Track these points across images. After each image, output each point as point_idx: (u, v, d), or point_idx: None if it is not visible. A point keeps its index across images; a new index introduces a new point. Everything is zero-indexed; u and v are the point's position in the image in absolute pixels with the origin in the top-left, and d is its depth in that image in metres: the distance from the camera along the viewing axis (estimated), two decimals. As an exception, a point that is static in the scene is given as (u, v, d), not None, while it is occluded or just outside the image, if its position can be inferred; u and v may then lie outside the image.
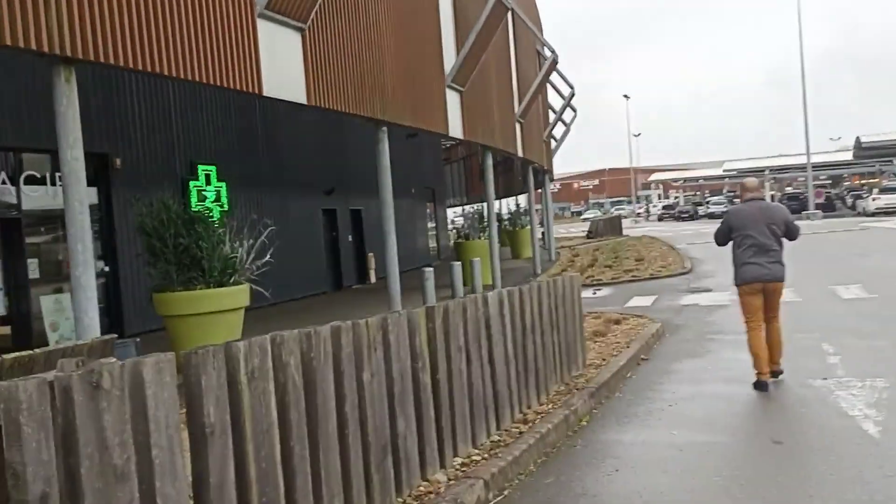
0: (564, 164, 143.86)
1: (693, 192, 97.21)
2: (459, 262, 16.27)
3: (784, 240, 6.99)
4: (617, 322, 10.61)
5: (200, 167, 16.22)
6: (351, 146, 23.60)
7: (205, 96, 16.55)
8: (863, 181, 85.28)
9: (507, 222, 36.98)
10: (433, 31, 14.64)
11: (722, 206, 70.78)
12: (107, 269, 13.82)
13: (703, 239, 33.85)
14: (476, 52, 15.36)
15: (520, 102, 21.19)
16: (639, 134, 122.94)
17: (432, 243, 33.27)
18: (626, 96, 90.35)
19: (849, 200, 62.95)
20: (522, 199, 47.30)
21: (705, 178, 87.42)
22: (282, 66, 9.84)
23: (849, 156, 64.63)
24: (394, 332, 4.36)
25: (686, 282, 17.30)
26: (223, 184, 16.92)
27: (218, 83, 8.71)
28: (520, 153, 21.30)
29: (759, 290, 6.87)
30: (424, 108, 13.90)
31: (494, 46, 18.94)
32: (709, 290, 15.30)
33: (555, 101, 32.35)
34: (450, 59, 15.20)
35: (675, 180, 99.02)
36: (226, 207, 16.92)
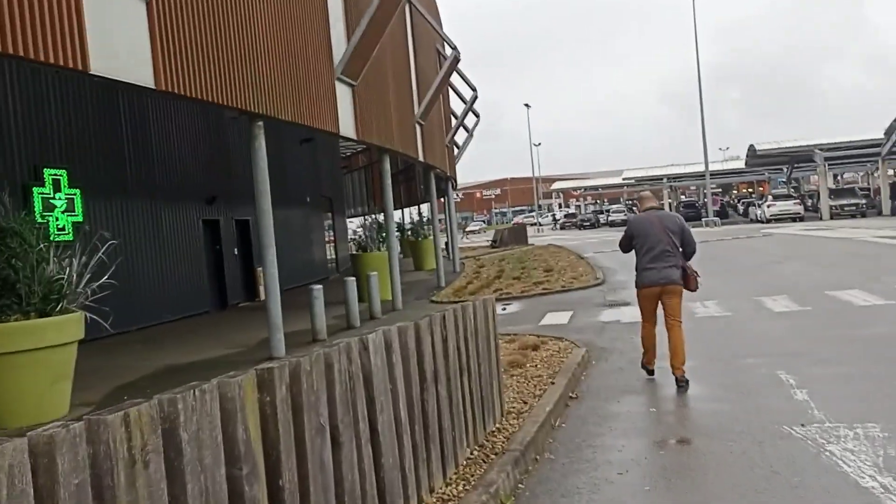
0: (468, 174, 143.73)
1: (593, 201, 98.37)
2: (354, 278, 14.44)
3: (681, 249, 7.38)
4: (535, 348, 9.05)
5: (47, 171, 13.79)
6: (236, 149, 21.40)
7: (53, 86, 14.15)
8: (750, 189, 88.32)
9: (409, 232, 35.38)
10: (319, 15, 12.81)
11: (622, 213, 71.60)
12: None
13: (610, 247, 33.17)
14: (369, 42, 13.63)
15: (419, 103, 19.56)
16: (539, 143, 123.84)
17: (331, 255, 31.23)
18: (526, 105, 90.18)
19: (740, 208, 64.51)
20: (425, 208, 45.95)
21: (604, 187, 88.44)
22: (119, 40, 7.85)
23: (737, 165, 66.35)
24: (191, 425, 2.53)
25: (601, 294, 16.03)
26: (76, 191, 14.51)
27: (32, 56, 6.69)
28: (420, 157, 19.68)
29: (657, 293, 7.34)
30: (309, 101, 12.04)
31: (391, 40, 17.26)
32: (627, 304, 14.03)
33: (456, 105, 31.01)
34: (339, 48, 13.40)
35: (576, 189, 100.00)
36: (80, 218, 14.54)
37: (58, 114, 14.26)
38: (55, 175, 14.00)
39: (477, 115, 31.18)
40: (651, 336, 7.54)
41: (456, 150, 34.20)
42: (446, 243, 32.17)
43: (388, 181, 16.63)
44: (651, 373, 7.67)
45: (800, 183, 67.61)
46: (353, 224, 48.53)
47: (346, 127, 13.68)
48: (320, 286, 12.68)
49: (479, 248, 48.77)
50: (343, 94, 13.58)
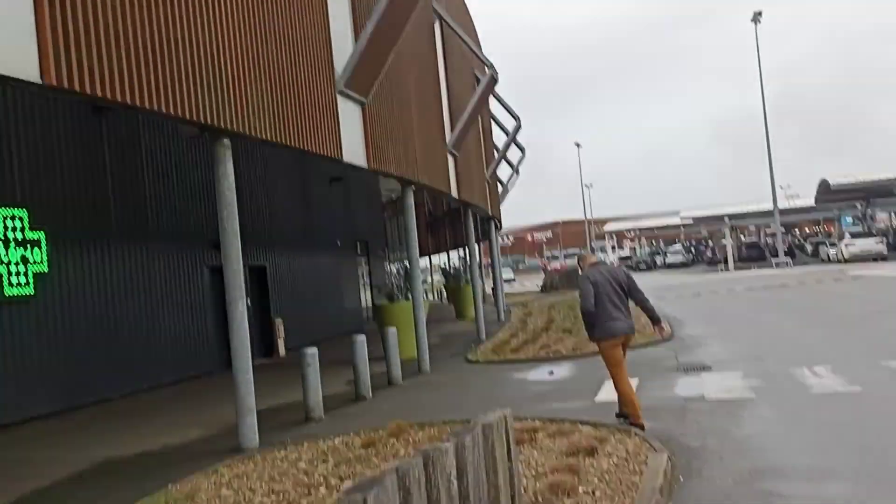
0: (518, 217, 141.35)
1: (648, 242, 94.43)
2: (363, 336, 11.76)
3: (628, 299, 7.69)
4: (591, 451, 6.21)
5: (1, 211, 11.57)
6: (249, 184, 19.14)
7: (12, 104, 12.00)
8: (815, 228, 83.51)
9: (451, 278, 32.76)
10: (317, 12, 10.43)
11: (679, 255, 67.74)
12: None
13: (673, 293, 29.96)
14: (380, 49, 11.19)
15: (452, 129, 17.06)
16: (591, 185, 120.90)
17: (368, 303, 28.71)
18: (577, 144, 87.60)
19: (808, 248, 60.25)
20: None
21: (659, 228, 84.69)
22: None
23: (800, 203, 62.34)
24: None
25: (671, 353, 13.05)
26: (40, 233, 12.25)
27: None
28: (454, 193, 17.08)
29: (621, 342, 7.65)
30: (299, 118, 9.59)
31: (416, 59, 14.86)
32: (708, 369, 11.08)
33: (500, 140, 28.54)
34: (343, 57, 11.00)
35: (630, 230, 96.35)
36: (45, 268, 12.25)
37: (16, 140, 12.08)
38: (10, 214, 11.76)
39: (522, 150, 28.68)
40: (630, 384, 7.72)
41: (500, 189, 31.61)
42: (493, 289, 29.41)
43: (412, 220, 14.06)
44: (643, 427, 7.28)
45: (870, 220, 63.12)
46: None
47: (353, 152, 11.18)
48: (315, 350, 10.04)
49: (527, 292, 45.83)
50: (349, 111, 11.13)
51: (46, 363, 12.13)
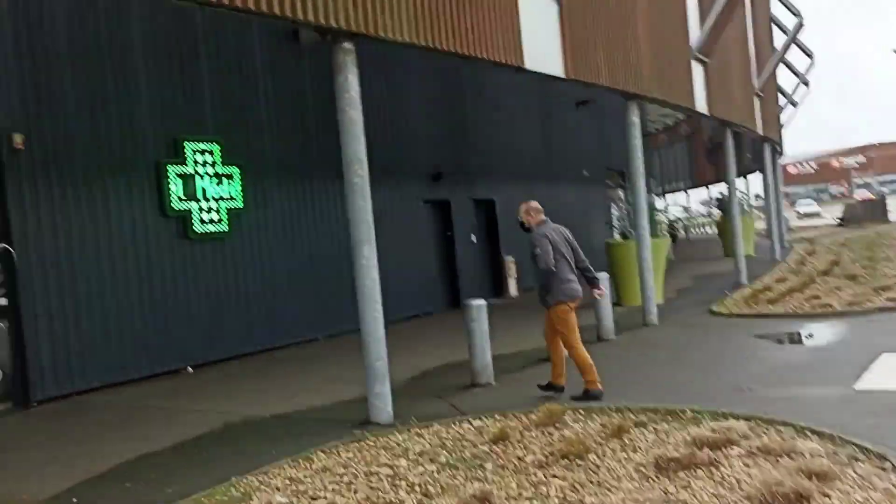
0: (824, 139, 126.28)
1: None
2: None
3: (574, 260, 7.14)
4: (822, 476, 3.80)
5: (189, 144, 11.19)
6: (473, 110, 17.67)
7: (202, 25, 11.50)
8: None
9: (722, 210, 28.98)
10: None
11: None
12: None
13: None
14: (722, 20, 9.65)
15: (759, 74, 14.44)
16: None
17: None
18: (895, 51, 74.65)
19: None
20: (751, 180, 38.47)
21: None
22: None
23: None
24: None
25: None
26: (234, 168, 11.79)
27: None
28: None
29: (576, 306, 7.10)
30: (671, 80, 11.12)
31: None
32: None
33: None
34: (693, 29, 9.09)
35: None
36: (239, 204, 11.81)
37: (208, 69, 11.58)
38: (202, 149, 11.36)
39: (809, 54, 23.95)
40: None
41: (783, 105, 27.03)
42: (767, 224, 25.39)
43: (635, 140, 11.57)
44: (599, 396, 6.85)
45: None
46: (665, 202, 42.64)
47: (699, 103, 9.68)
48: (482, 302, 8.30)
49: (823, 226, 39.95)
50: (697, 72, 9.92)
51: (241, 304, 11.75)
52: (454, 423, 6.28)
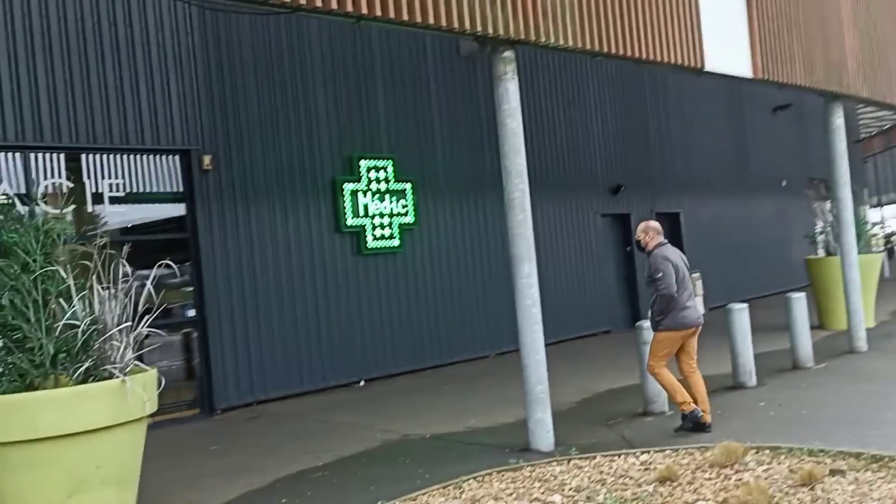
0: None
1: None
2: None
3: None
4: None
5: (364, 161, 11.40)
6: (656, 117, 16.81)
7: (379, 47, 11.71)
8: None
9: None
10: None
11: None
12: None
13: None
14: None
15: None
16: None
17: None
18: None
19: None
20: None
21: None
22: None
23: None
24: None
25: None
26: (407, 184, 11.88)
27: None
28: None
29: (690, 334, 6.69)
30: (884, 75, 10.08)
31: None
32: None
33: None
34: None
35: None
36: (411, 219, 11.87)
37: (382, 81, 11.74)
38: (376, 166, 11.53)
39: None
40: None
41: None
42: None
43: (839, 145, 10.44)
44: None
45: None
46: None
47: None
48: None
49: None
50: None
51: (412, 320, 11.77)
52: (618, 456, 5.75)
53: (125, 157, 9.25)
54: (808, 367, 9.27)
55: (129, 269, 5.14)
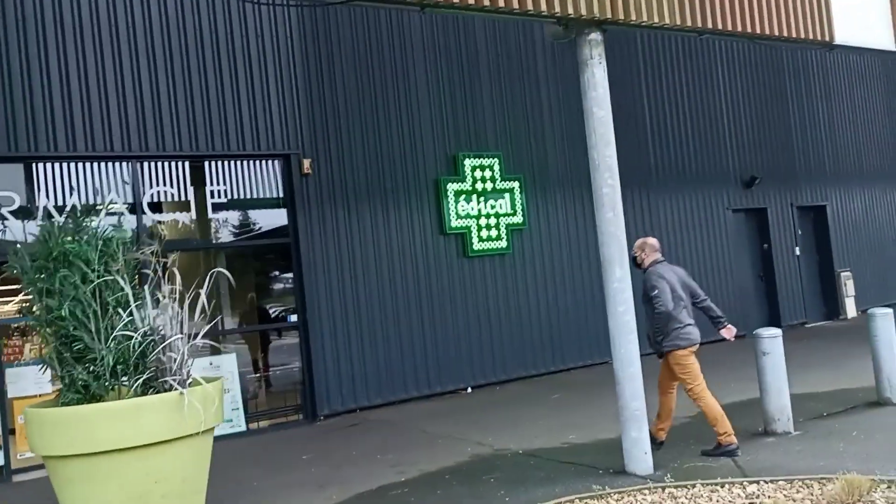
0: None
1: None
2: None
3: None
4: None
5: (467, 159, 11.01)
6: (797, 102, 15.39)
7: (485, 39, 11.29)
8: None
9: None
10: None
11: None
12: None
13: None
14: None
15: None
16: None
17: None
18: None
19: None
20: None
21: None
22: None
23: None
24: None
25: None
26: (515, 182, 11.39)
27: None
28: None
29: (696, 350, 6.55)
30: None
31: None
32: None
33: None
34: None
35: None
36: (520, 219, 11.36)
37: (489, 75, 11.31)
38: (482, 165, 11.12)
39: None
40: None
41: None
42: None
43: None
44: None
45: None
46: None
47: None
48: (776, 332, 6.79)
49: None
50: None
51: (522, 324, 11.23)
52: (721, 486, 5.03)
53: (227, 163, 9.32)
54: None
55: (178, 278, 4.98)
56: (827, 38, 6.96)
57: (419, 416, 9.23)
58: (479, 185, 11.04)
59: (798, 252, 15.17)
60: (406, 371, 10.26)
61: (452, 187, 10.80)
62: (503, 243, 11.15)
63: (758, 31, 6.48)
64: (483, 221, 11.04)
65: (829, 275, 15.62)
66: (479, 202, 11.02)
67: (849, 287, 15.62)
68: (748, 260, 14.53)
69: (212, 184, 9.19)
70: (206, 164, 9.17)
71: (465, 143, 11.05)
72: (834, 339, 12.48)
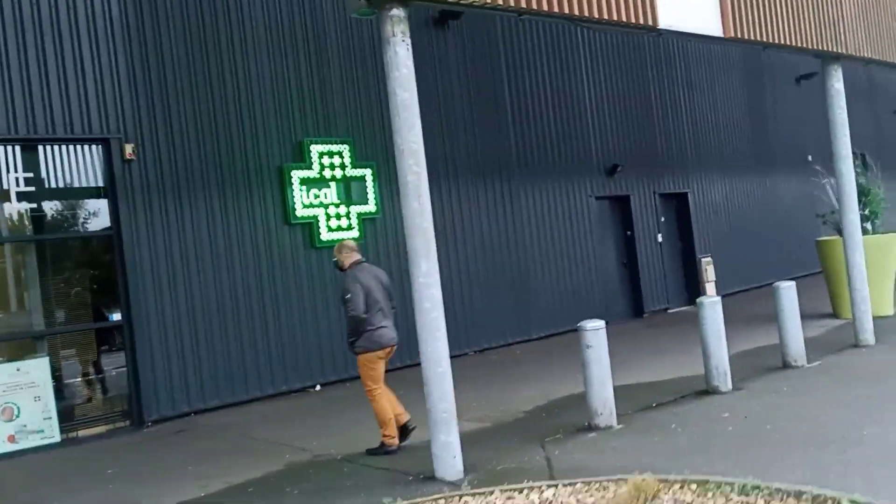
0: None
1: None
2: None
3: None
4: None
5: (314, 144, 10.48)
6: (660, 90, 15.55)
7: (334, 20, 10.78)
8: None
9: None
10: None
11: None
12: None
13: None
14: None
15: None
16: None
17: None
18: None
19: None
20: None
21: None
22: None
23: None
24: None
25: None
26: (368, 170, 10.93)
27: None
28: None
29: (387, 354, 6.60)
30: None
31: None
32: None
33: None
34: None
35: None
36: (375, 209, 10.92)
37: (337, 57, 10.80)
38: (329, 152, 10.61)
39: None
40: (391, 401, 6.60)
41: None
42: None
43: (839, 112, 9.18)
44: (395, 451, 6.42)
45: None
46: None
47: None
48: (598, 324, 6.64)
49: None
50: None
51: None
52: (518, 492, 4.75)
53: (38, 148, 8.47)
54: (800, 366, 8.11)
55: None
56: (651, 23, 6.80)
57: (255, 419, 8.69)
58: (327, 173, 10.54)
59: (660, 239, 15.37)
60: (248, 371, 9.69)
61: (298, 174, 10.26)
62: (355, 233, 10.69)
63: (576, 12, 6.22)
64: (332, 210, 10.54)
65: (691, 261, 15.92)
66: (327, 190, 10.52)
67: (709, 272, 15.95)
68: (612, 247, 14.61)
69: (16, 171, 8.33)
70: (8, 148, 8.29)
71: (313, 129, 10.51)
72: (692, 325, 12.62)
